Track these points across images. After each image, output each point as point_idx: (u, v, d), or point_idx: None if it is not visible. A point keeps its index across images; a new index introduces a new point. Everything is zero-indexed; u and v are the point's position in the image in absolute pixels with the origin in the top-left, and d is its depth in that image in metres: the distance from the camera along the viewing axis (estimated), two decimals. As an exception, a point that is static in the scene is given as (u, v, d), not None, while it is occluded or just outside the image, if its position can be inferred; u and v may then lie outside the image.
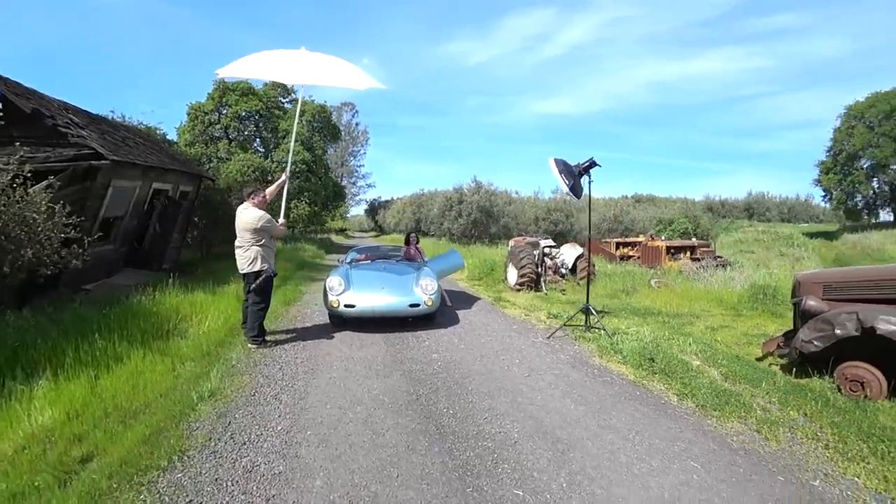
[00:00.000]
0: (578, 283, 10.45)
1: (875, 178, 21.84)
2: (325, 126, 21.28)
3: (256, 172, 17.43)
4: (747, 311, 8.21)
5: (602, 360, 4.62)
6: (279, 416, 3.21)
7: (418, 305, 5.56)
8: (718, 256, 12.53)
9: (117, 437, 2.86)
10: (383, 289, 5.66)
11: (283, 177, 5.40)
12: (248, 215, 4.78)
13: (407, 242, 8.27)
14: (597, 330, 5.43)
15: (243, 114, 19.35)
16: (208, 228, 12.77)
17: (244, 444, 2.83)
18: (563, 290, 9.84)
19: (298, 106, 6.57)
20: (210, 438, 2.88)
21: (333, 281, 5.66)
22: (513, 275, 10.38)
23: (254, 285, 4.80)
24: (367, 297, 5.54)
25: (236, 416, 3.23)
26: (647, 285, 10.01)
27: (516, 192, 31.76)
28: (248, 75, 5.71)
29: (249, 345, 4.85)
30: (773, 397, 3.74)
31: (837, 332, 4.01)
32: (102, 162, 6.58)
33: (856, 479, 2.69)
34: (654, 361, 4.39)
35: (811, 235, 23.67)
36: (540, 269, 10.29)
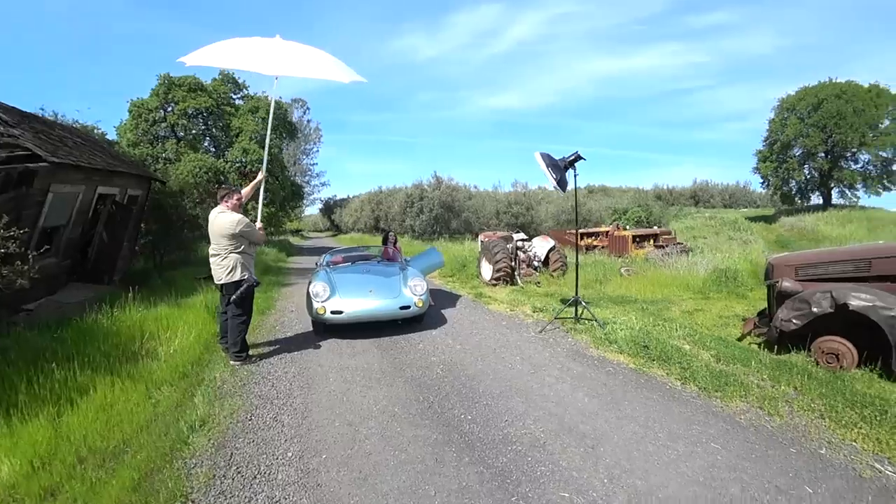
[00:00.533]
0: (552, 275, 10.68)
1: (806, 165, 23.87)
2: (282, 123, 20.31)
3: (209, 173, 16.32)
4: (714, 293, 8.72)
5: (598, 350, 4.72)
6: (286, 441, 2.97)
7: (409, 307, 5.41)
8: (679, 243, 13.21)
9: (100, 488, 2.46)
10: (371, 292, 5.45)
11: (260, 175, 5.03)
12: (223, 220, 4.38)
13: (385, 242, 8.07)
14: (586, 321, 5.55)
15: (191, 111, 18.03)
16: (160, 235, 11.83)
17: (255, 477, 2.57)
18: (538, 283, 10.01)
19: (272, 100, 6.08)
20: (213, 476, 2.58)
21: (317, 287, 5.39)
22: (487, 270, 10.44)
23: (234, 297, 4.40)
24: (355, 301, 5.32)
25: (237, 445, 2.93)
26: (617, 274, 10.40)
27: (475, 187, 32.03)
28: (218, 63, 5.25)
29: (232, 362, 4.49)
30: (764, 374, 3.95)
31: (814, 310, 4.31)
32: (40, 164, 5.91)
33: (854, 443, 2.90)
34: (648, 348, 4.53)
35: (752, 219, 25.55)
36: (514, 263, 10.41)
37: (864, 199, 22.97)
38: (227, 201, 4.52)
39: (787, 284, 4.70)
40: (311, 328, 5.77)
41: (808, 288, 4.58)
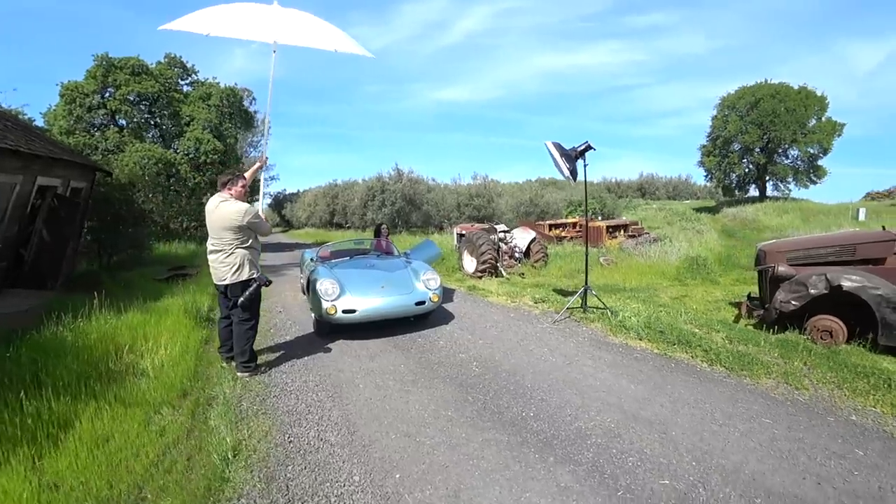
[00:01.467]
0: (534, 266, 10.96)
1: (745, 160, 26.00)
2: (237, 111, 19.03)
3: (159, 165, 15.01)
4: (689, 280, 9.34)
5: (618, 337, 4.92)
6: (344, 463, 2.65)
7: (424, 303, 5.26)
8: (647, 233, 13.97)
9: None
10: (383, 288, 5.23)
11: (263, 159, 4.58)
12: (229, 210, 3.90)
13: (377, 234, 7.86)
14: (594, 310, 5.74)
15: (134, 97, 16.40)
16: (109, 233, 10.80)
17: (332, 513, 2.28)
18: (522, 275, 10.24)
19: (271, 69, 5.09)
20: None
21: (325, 284, 5.06)
22: (470, 262, 10.53)
23: (242, 299, 3.95)
24: (368, 299, 5.07)
25: (289, 475, 2.55)
26: (597, 264, 10.85)
27: (433, 179, 31.97)
28: (205, 30, 4.69)
29: (239, 374, 4.07)
30: (774, 352, 4.31)
31: (811, 291, 4.74)
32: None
33: (874, 409, 3.26)
34: (664, 334, 4.79)
35: (697, 210, 27.44)
36: (497, 255, 10.56)
37: (795, 191, 25.56)
38: (230, 188, 4.06)
39: (782, 269, 5.14)
40: (308, 330, 5.50)
41: (800, 272, 5.04)
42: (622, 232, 13.91)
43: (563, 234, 16.27)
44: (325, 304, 4.93)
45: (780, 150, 24.89)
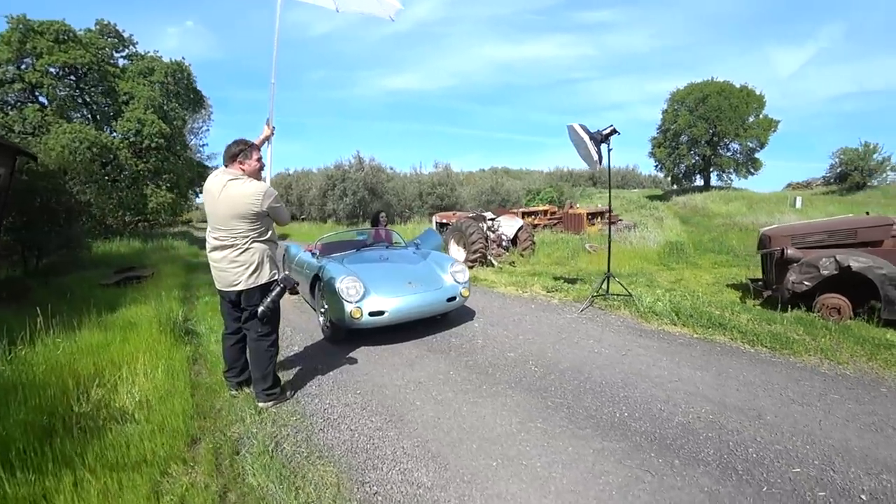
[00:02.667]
0: (522, 255, 11.07)
1: (693, 151, 27.86)
2: (185, 90, 17.25)
3: (93, 150, 13.33)
4: (673, 264, 9.84)
5: (652, 324, 5.04)
6: (459, 500, 2.27)
7: (455, 298, 4.85)
8: (621, 220, 14.57)
9: None
10: (410, 284, 4.74)
11: (270, 127, 3.66)
12: (243, 191, 3.03)
13: (375, 223, 7.48)
14: (615, 297, 5.85)
15: (58, 69, 14.32)
16: (35, 230, 8.94)
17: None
18: (513, 263, 10.31)
19: (277, 17, 4.01)
20: None
21: (346, 283, 4.41)
22: (458, 252, 10.45)
23: (262, 308, 3.14)
24: (397, 298, 4.52)
25: None
26: (583, 250, 11.16)
27: (391, 168, 31.45)
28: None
29: (261, 404, 3.27)
30: (799, 330, 4.61)
31: (823, 272, 5.12)
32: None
33: None
34: (693, 318, 4.98)
35: (649, 198, 29.07)
36: (486, 244, 10.56)
37: (736, 181, 27.81)
38: (241, 162, 3.15)
39: (792, 252, 5.51)
40: (315, 337, 5.00)
41: (806, 255, 5.43)
42: (599, 219, 14.43)
43: (535, 221, 16.60)
44: (347, 307, 4.29)
45: (723, 144, 26.89)
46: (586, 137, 5.33)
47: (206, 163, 23.28)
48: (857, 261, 4.98)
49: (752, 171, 26.88)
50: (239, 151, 3.16)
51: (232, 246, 3.10)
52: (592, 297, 5.92)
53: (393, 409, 3.25)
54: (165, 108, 15.47)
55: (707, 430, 2.83)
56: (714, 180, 28.91)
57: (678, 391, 3.37)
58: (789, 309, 5.34)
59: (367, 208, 26.27)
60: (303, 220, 31.28)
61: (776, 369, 3.76)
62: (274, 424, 3.07)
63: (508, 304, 6.29)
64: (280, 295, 3.23)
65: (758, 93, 25.27)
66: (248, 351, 3.39)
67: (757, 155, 26.57)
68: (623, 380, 3.60)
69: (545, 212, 17.58)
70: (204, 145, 28.57)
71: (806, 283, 5.22)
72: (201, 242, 19.89)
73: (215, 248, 3.16)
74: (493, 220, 11.56)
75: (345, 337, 4.73)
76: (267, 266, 3.21)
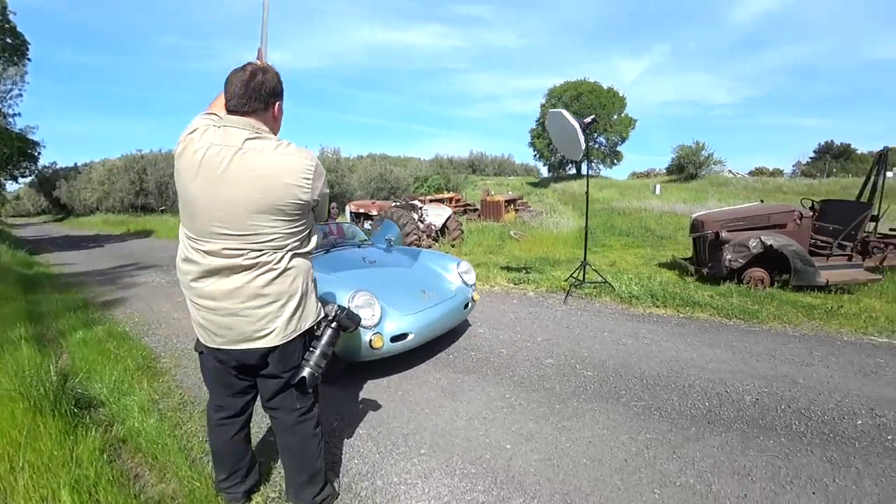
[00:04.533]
0: (452, 245, 11.06)
1: (567, 143, 31.00)
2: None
3: None
4: (591, 247, 10.78)
5: (637, 308, 5.43)
6: None
7: (468, 305, 4.21)
8: (530, 208, 15.48)
9: None
10: (424, 293, 3.89)
11: (262, 57, 2.13)
12: (284, 162, 1.66)
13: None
14: (589, 284, 6.15)
15: None
16: None
17: None
18: (448, 254, 10.23)
19: None
20: None
21: (360, 300, 3.28)
22: (391, 245, 10.04)
23: (310, 368, 1.87)
24: (418, 314, 3.60)
25: None
26: (510, 238, 11.59)
27: (273, 153, 28.73)
28: None
29: None
30: (747, 300, 5.45)
31: (753, 250, 6.08)
32: None
33: (841, 329, 4.49)
34: (667, 298, 5.53)
35: (531, 185, 31.55)
36: (420, 235, 10.32)
37: (603, 171, 31.82)
38: (273, 106, 1.75)
39: (725, 234, 6.44)
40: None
41: (735, 236, 6.41)
42: (512, 206, 15.13)
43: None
44: (366, 336, 3.20)
45: (593, 137, 30.39)
46: (577, 125, 5.45)
47: (31, 136, 17.02)
48: (776, 240, 6.03)
49: (615, 161, 31.10)
50: (280, 89, 1.74)
51: (254, 266, 1.68)
52: (572, 286, 6.15)
53: (488, 465, 2.51)
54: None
55: (776, 404, 3.12)
56: (585, 169, 32.72)
57: (721, 373, 3.63)
58: (722, 283, 6.27)
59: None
60: (163, 211, 27.01)
61: (760, 337, 4.37)
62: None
63: (488, 301, 6.14)
64: (335, 340, 1.94)
65: (620, 94, 29.23)
66: (281, 444, 2.06)
67: (619, 148, 30.78)
68: (668, 369, 3.73)
69: (450, 199, 17.83)
70: (16, 115, 20.86)
71: (740, 259, 6.16)
72: (29, 247, 15.30)
73: (212, 273, 1.68)
74: (421, 208, 11.32)
75: (341, 373, 3.56)
76: (313, 298, 1.90)
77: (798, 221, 6.39)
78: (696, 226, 7.11)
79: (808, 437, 2.76)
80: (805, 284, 5.90)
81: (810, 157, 53.22)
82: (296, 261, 1.79)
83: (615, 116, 29.24)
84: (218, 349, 1.81)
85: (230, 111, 1.70)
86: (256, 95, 1.68)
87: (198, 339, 1.90)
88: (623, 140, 29.88)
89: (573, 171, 33.47)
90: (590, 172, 30.97)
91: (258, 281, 1.71)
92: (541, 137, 31.83)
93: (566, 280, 6.51)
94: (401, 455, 2.64)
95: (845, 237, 6.36)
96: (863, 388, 3.34)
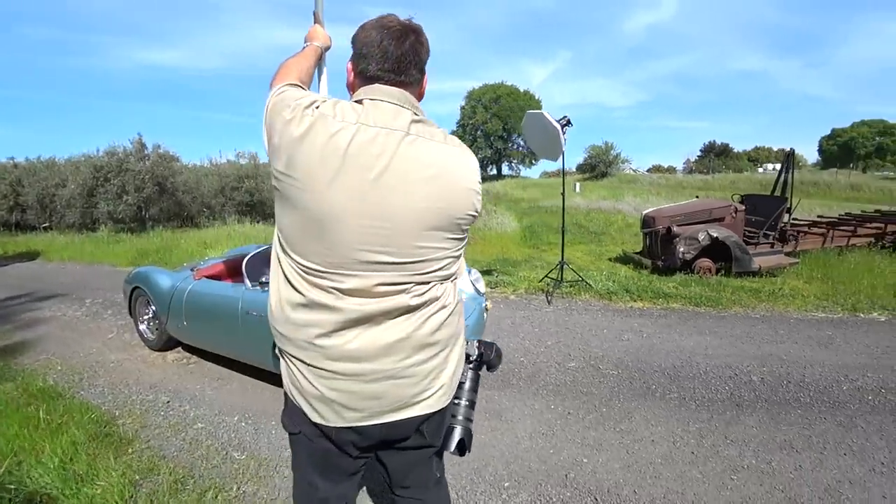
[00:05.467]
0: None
1: (488, 144, 32.07)
2: None
3: None
4: (539, 245, 11.29)
5: (617, 303, 5.80)
6: None
7: (484, 316, 4.05)
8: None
9: None
10: None
11: (321, 32, 1.57)
12: (460, 162, 1.15)
13: None
14: (567, 283, 6.44)
15: None
16: None
17: None
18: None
19: None
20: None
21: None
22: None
23: (460, 426, 1.37)
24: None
25: None
26: (462, 241, 11.68)
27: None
28: None
29: None
30: (704, 288, 6.10)
31: (702, 242, 6.81)
32: None
33: (789, 308, 5.24)
34: (640, 292, 6.00)
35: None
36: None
37: (523, 170, 33.50)
38: (417, 89, 1.22)
39: (676, 229, 7.13)
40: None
41: (684, 230, 7.12)
42: None
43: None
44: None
45: (512, 139, 31.87)
46: (558, 126, 5.63)
47: None
48: (720, 232, 6.82)
49: (533, 162, 32.92)
50: (426, 55, 1.23)
51: (423, 305, 1.17)
52: (553, 286, 6.38)
53: (578, 485, 2.47)
54: None
55: (778, 381, 3.57)
56: (506, 170, 34.19)
57: (720, 357, 4.03)
58: (673, 273, 6.94)
59: (163, 208, 21.30)
60: (46, 228, 23.28)
61: (732, 322, 4.97)
62: None
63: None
64: (478, 385, 1.46)
65: (536, 97, 30.98)
66: None
67: (536, 149, 32.66)
68: (678, 359, 4.02)
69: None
70: None
71: (692, 251, 6.87)
72: None
73: (358, 322, 1.12)
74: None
75: None
76: (462, 337, 1.37)
77: (734, 215, 7.29)
78: (647, 221, 7.78)
79: (817, 407, 3.19)
80: (743, 271, 6.74)
81: (697, 156, 61.03)
82: (454, 293, 1.32)
83: (533, 119, 31.14)
84: (346, 428, 1.22)
85: (374, 80, 1.16)
86: (415, 60, 1.18)
87: (296, 417, 1.27)
88: (541, 141, 31.87)
89: (494, 171, 34.83)
90: (510, 173, 32.19)
91: (428, 326, 1.19)
92: (461, 139, 32.71)
93: (541, 281, 6.76)
94: (484, 494, 2.42)
95: (769, 227, 7.39)
96: (829, 357, 3.95)
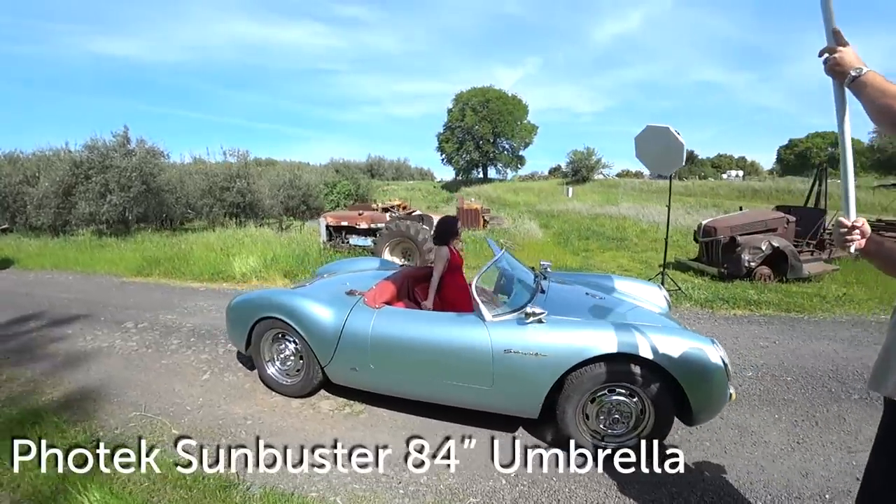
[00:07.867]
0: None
1: (477, 147, 32.55)
2: None
3: None
4: (581, 251, 11.79)
5: (719, 311, 6.30)
6: None
7: None
8: (495, 217, 16.10)
9: None
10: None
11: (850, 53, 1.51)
12: None
13: (447, 240, 4.17)
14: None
15: None
16: None
17: None
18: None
19: None
20: None
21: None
22: (401, 260, 9.73)
23: None
24: None
25: None
26: (501, 247, 11.99)
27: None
28: None
29: None
30: (780, 295, 6.75)
31: (765, 251, 7.51)
32: None
33: (842, 315, 5.94)
34: (733, 300, 6.56)
35: (445, 189, 32.47)
36: (428, 248, 10.16)
37: (509, 174, 34.17)
38: None
39: (740, 238, 7.80)
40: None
41: (746, 240, 7.80)
42: (483, 216, 15.57)
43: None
44: (730, 389, 2.79)
45: (497, 142, 32.50)
46: (684, 142, 6.05)
47: None
48: (780, 242, 7.53)
49: (519, 166, 33.75)
50: None
51: None
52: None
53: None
54: None
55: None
56: (493, 173, 34.81)
57: (846, 360, 4.54)
58: (733, 280, 7.59)
59: (147, 209, 20.22)
60: (5, 231, 21.52)
61: (832, 326, 5.58)
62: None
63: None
64: None
65: (523, 102, 31.80)
66: None
67: (521, 153, 33.44)
68: (826, 363, 4.49)
69: (398, 206, 17.62)
70: None
71: (756, 259, 7.54)
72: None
73: None
74: (422, 218, 11.08)
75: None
76: None
77: (787, 226, 8.05)
78: (708, 231, 8.43)
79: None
80: (796, 277, 7.50)
81: (663, 161, 64.22)
82: None
83: (519, 123, 31.81)
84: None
85: None
86: None
87: None
88: (526, 145, 32.78)
89: (481, 174, 35.35)
90: (497, 176, 32.92)
91: None
92: (449, 142, 32.97)
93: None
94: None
95: (811, 236, 8.22)
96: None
